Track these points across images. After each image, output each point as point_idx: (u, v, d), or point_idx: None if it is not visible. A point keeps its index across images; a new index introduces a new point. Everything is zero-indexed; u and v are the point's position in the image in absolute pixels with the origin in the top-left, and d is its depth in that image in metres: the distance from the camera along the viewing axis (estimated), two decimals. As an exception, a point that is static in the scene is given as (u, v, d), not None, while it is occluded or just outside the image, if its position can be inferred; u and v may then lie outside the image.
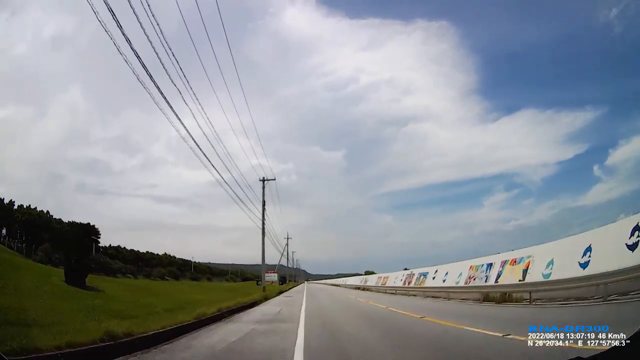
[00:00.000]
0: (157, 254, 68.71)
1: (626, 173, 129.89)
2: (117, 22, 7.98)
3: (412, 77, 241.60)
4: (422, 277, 26.26)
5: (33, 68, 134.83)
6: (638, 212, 9.74)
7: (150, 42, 9.46)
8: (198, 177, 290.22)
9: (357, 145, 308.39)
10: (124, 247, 61.06)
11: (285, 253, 65.60)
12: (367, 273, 62.42)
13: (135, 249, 62.25)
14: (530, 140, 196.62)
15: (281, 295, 29.79)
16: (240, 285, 44.78)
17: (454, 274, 20.65)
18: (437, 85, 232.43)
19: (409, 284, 28.36)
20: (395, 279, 32.35)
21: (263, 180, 28.99)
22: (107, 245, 58.98)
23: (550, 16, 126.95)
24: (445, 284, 21.05)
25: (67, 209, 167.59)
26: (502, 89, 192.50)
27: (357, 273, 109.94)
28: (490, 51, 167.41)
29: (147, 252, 66.16)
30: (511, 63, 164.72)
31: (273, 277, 57.21)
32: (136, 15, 8.69)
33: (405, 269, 33.28)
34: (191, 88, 12.58)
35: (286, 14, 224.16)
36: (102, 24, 7.64)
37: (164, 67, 10.19)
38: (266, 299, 22.96)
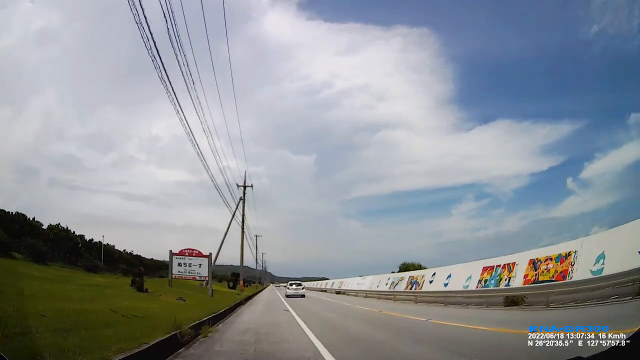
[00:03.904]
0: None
1: (602, 187, 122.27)
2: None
3: (389, 83, 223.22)
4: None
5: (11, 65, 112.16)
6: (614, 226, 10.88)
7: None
8: (167, 176, 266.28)
9: (327, 150, 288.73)
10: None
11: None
12: (403, 269, 39.78)
13: None
14: (504, 150, 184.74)
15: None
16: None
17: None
18: (414, 93, 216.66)
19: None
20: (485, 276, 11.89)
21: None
22: None
23: (531, 29, 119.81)
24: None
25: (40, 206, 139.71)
26: (479, 98, 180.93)
27: (324, 277, 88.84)
28: (470, 61, 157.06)
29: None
30: (490, 73, 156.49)
31: (200, 269, 22.42)
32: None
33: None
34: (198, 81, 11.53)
35: (266, 17, 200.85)
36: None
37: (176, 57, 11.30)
38: None
